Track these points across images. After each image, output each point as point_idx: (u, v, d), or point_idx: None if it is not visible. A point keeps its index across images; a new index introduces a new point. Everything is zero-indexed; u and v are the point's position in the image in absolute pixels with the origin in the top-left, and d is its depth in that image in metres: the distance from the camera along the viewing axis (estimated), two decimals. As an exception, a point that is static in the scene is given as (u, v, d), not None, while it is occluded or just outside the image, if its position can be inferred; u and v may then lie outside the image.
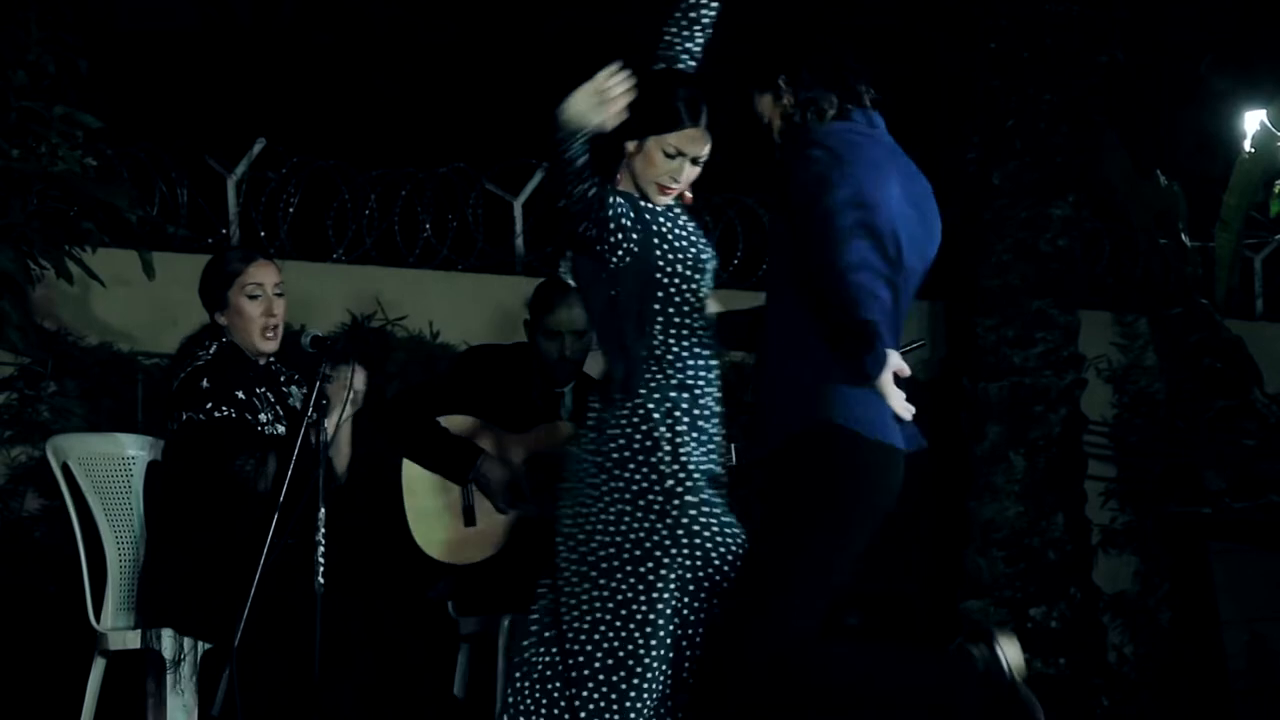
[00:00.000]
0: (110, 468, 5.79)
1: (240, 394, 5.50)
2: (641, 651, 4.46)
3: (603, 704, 4.47)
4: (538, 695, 4.56)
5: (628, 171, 4.67)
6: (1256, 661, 8.80)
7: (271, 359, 5.66)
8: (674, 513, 4.48)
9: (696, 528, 4.50)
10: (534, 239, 7.80)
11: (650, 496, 4.49)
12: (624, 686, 4.46)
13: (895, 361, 4.47)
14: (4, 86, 5.76)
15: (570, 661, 4.52)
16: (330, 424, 5.30)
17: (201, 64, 13.66)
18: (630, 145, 4.61)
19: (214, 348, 5.59)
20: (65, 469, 5.73)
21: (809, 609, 4.51)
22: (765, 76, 4.57)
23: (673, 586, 4.49)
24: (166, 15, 14.15)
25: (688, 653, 4.53)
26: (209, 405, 5.44)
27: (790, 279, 4.50)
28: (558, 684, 4.54)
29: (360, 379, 5.36)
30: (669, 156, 4.58)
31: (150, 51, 12.69)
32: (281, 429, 5.55)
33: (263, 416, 5.53)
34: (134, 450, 5.81)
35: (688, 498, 4.50)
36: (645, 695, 4.47)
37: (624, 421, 4.54)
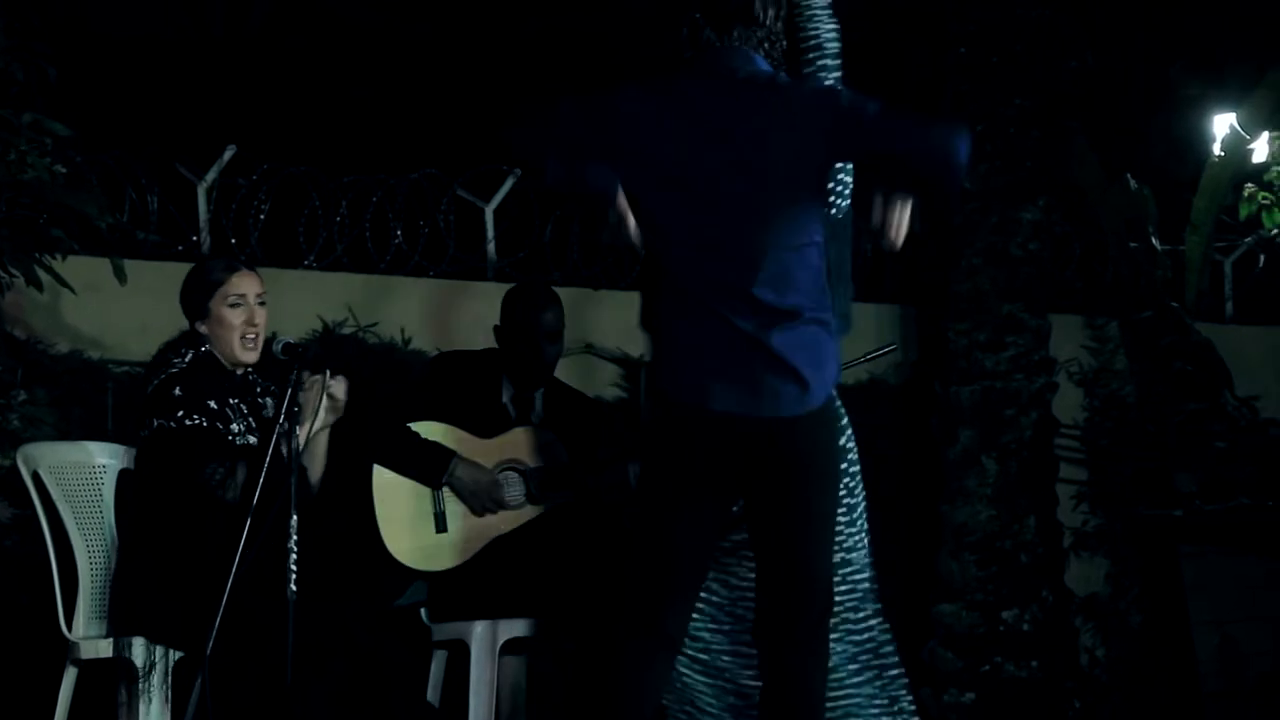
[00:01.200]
0: (81, 476, 5.77)
1: (213, 403, 5.50)
2: None
3: None
4: None
5: None
6: (1227, 663, 8.82)
7: (249, 370, 5.67)
8: None
9: None
10: (506, 245, 7.81)
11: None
12: None
13: None
14: (-29, 94, 5.77)
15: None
16: (303, 433, 5.31)
17: (171, 71, 13.64)
18: None
19: (190, 356, 5.59)
20: (36, 478, 5.72)
21: (639, 585, 4.64)
22: None
23: None
24: (136, 22, 14.13)
25: None
26: (180, 413, 5.44)
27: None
28: None
29: (340, 388, 5.36)
30: None
31: (119, 58, 12.67)
32: (253, 440, 5.55)
33: (234, 426, 5.53)
34: (104, 459, 5.79)
35: None
36: None
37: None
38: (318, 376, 5.34)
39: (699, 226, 4.54)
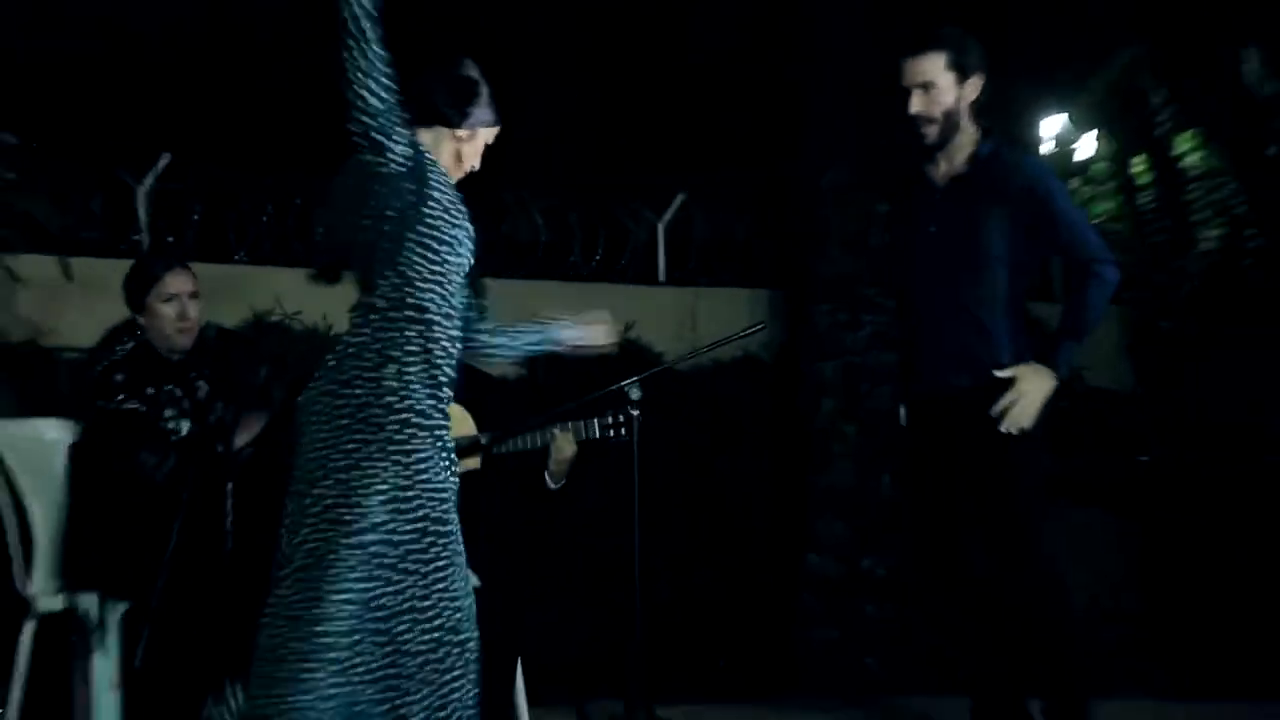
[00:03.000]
0: (35, 450, 5.79)
1: (150, 389, 5.57)
2: None
3: None
4: None
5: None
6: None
7: (184, 356, 5.71)
8: None
9: None
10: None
11: None
12: None
13: None
14: (-76, 106, 5.78)
15: None
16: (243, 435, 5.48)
17: (108, 78, 13.60)
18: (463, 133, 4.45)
19: (130, 345, 5.66)
20: (-6, 452, 5.76)
21: None
22: None
23: None
24: (73, 31, 14.06)
25: None
26: (120, 397, 5.52)
27: None
28: None
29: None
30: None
31: (59, 66, 12.63)
32: (186, 423, 5.60)
33: (168, 412, 5.58)
34: (56, 434, 5.80)
35: None
36: None
37: None
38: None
39: None
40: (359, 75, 4.10)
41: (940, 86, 4.91)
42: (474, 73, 4.40)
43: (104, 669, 5.46)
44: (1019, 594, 4.85)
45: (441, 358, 4.25)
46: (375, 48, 4.10)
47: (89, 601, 5.51)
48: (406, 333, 4.21)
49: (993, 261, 4.95)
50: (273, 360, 6.46)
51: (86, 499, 5.67)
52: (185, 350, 5.71)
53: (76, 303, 6.29)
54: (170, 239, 7.15)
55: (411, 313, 4.21)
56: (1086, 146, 9.72)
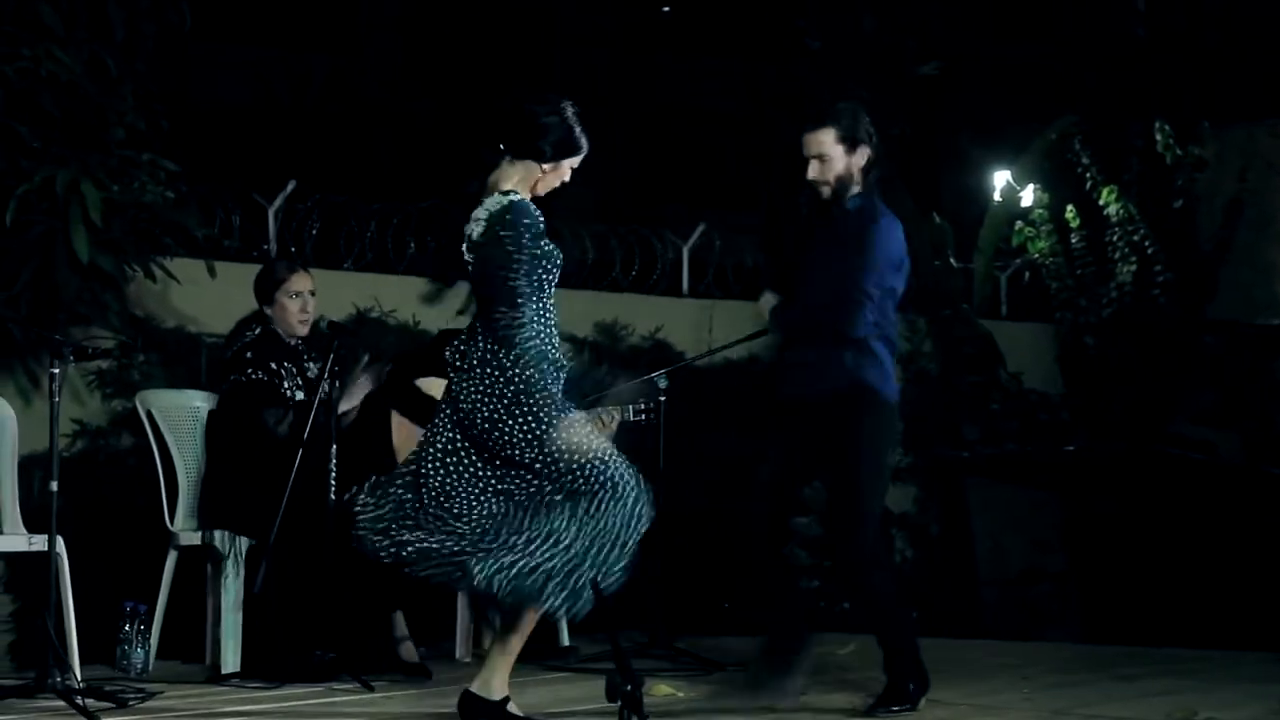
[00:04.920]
0: (181, 415, 5.81)
1: (273, 364, 5.55)
2: None
3: None
4: None
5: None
6: (996, 561, 8.94)
7: (300, 342, 5.69)
8: None
9: None
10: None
11: None
12: None
13: None
14: (108, 140, 5.75)
15: None
16: (347, 401, 5.47)
17: (250, 125, 13.62)
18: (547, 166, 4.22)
19: (258, 330, 5.65)
20: (149, 416, 5.76)
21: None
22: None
23: None
24: (226, 91, 14.10)
25: None
26: (250, 370, 5.51)
27: None
28: None
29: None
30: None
31: (214, 115, 12.65)
32: (300, 394, 5.58)
33: (286, 383, 5.57)
34: (198, 402, 5.83)
35: None
36: None
37: None
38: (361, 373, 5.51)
39: None
40: None
41: (832, 157, 4.74)
42: (561, 113, 4.22)
43: (229, 593, 5.42)
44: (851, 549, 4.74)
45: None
46: None
47: (219, 537, 5.48)
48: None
49: (852, 292, 4.72)
50: (371, 348, 6.40)
51: (219, 455, 5.64)
52: (302, 337, 5.69)
53: (217, 298, 6.27)
54: (293, 249, 7.13)
55: None
56: (1028, 197, 9.64)
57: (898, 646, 4.77)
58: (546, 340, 4.15)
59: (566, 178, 4.26)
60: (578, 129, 4.21)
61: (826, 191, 4.76)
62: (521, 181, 4.21)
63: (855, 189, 4.75)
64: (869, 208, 4.76)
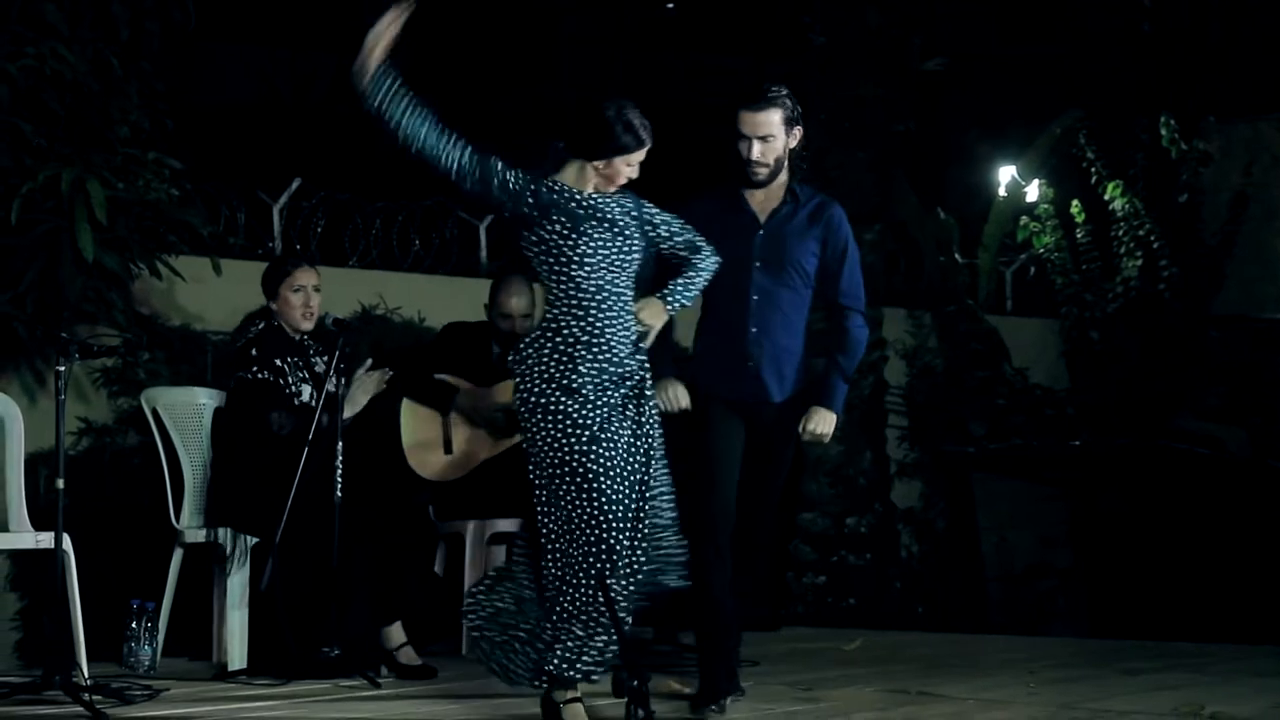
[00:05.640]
0: (187, 412, 5.78)
1: (278, 361, 5.52)
2: None
3: None
4: None
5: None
6: (1002, 556, 8.94)
7: (305, 336, 5.69)
8: None
9: None
10: (494, 252, 7.83)
11: None
12: None
13: None
14: (113, 139, 5.75)
15: None
16: (352, 408, 5.46)
17: (254, 124, 13.61)
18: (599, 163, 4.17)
19: (263, 325, 5.62)
20: (155, 413, 5.74)
21: None
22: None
23: None
24: (230, 89, 14.09)
25: None
26: (254, 369, 5.48)
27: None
28: None
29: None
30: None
31: (218, 114, 12.63)
32: (307, 388, 5.55)
33: (290, 379, 5.54)
34: (204, 400, 5.81)
35: None
36: None
37: None
38: (373, 374, 5.53)
39: None
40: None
41: (777, 138, 4.65)
42: (607, 112, 4.18)
43: (235, 590, 5.42)
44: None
45: None
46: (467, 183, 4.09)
47: (224, 535, 5.48)
48: None
49: (806, 288, 4.68)
50: (375, 345, 6.40)
51: (225, 453, 5.62)
52: (307, 332, 5.67)
53: (222, 295, 6.27)
54: (298, 246, 7.13)
55: None
56: (1033, 192, 9.63)
57: (731, 645, 4.73)
58: None
59: (625, 175, 4.20)
60: (626, 127, 4.16)
61: (763, 175, 4.60)
62: (578, 177, 4.21)
63: (784, 174, 4.66)
64: (820, 196, 4.70)
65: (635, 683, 3.79)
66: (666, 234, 4.33)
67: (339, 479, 5.22)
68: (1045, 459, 8.95)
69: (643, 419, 4.19)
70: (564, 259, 4.13)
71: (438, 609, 5.74)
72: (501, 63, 14.95)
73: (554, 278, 4.15)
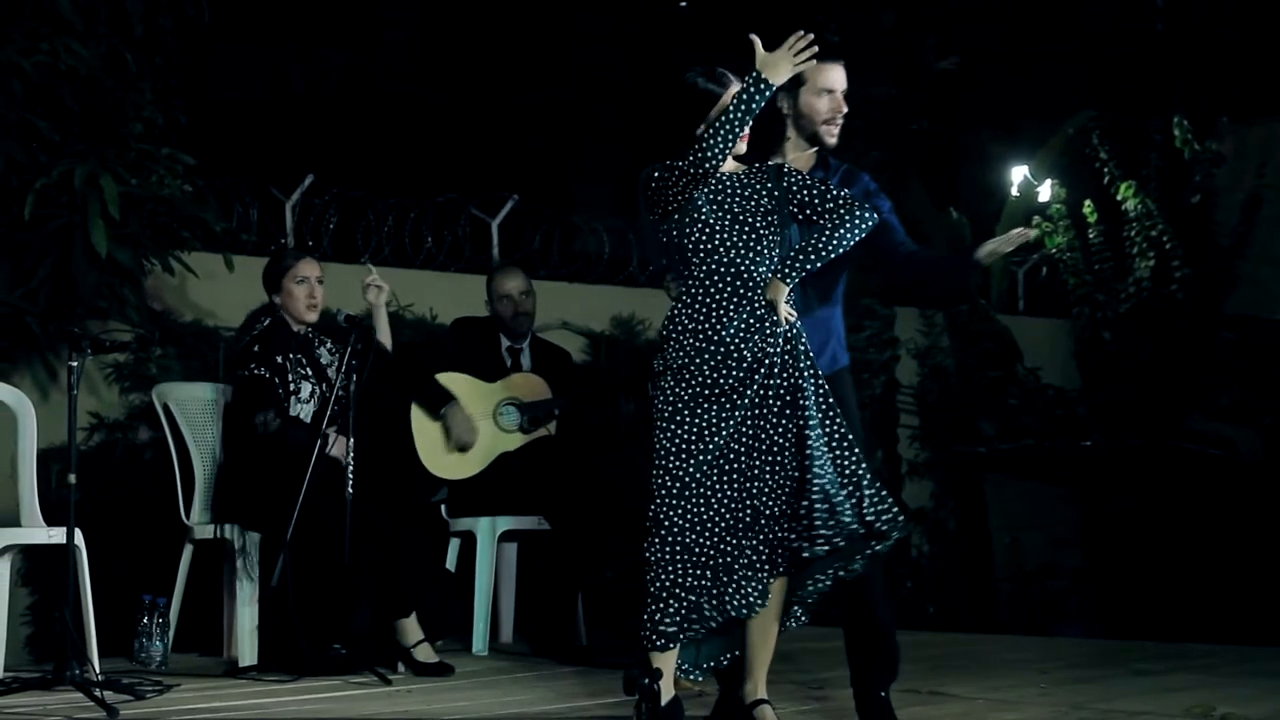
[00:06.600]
0: (197, 408, 5.81)
1: (279, 359, 5.53)
2: None
3: None
4: None
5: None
6: (1013, 556, 8.93)
7: (310, 329, 5.68)
8: None
9: None
10: (506, 249, 7.83)
11: None
12: None
13: None
14: (126, 134, 5.75)
15: None
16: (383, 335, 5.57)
17: (267, 120, 13.63)
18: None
19: (266, 322, 5.64)
20: (166, 409, 5.76)
21: None
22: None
23: None
24: (243, 85, 14.11)
25: None
26: (254, 365, 5.49)
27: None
28: None
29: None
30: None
31: (231, 110, 12.65)
32: (307, 386, 5.56)
33: (290, 376, 5.54)
34: (214, 395, 5.83)
35: None
36: None
37: None
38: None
39: None
40: None
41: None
42: (697, 82, 4.20)
43: (245, 587, 5.42)
44: None
45: None
46: None
47: (233, 532, 5.48)
48: None
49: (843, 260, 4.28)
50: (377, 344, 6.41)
51: (231, 450, 5.64)
52: (312, 324, 5.68)
53: (235, 291, 6.27)
54: (310, 242, 7.13)
55: None
56: (1046, 192, 9.61)
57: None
58: None
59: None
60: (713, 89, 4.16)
61: (834, 138, 4.33)
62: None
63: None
64: (844, 164, 4.41)
65: (646, 681, 3.79)
66: None
67: (350, 475, 5.22)
68: (1057, 459, 8.93)
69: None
70: None
71: (449, 605, 5.74)
72: (514, 60, 14.95)
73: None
